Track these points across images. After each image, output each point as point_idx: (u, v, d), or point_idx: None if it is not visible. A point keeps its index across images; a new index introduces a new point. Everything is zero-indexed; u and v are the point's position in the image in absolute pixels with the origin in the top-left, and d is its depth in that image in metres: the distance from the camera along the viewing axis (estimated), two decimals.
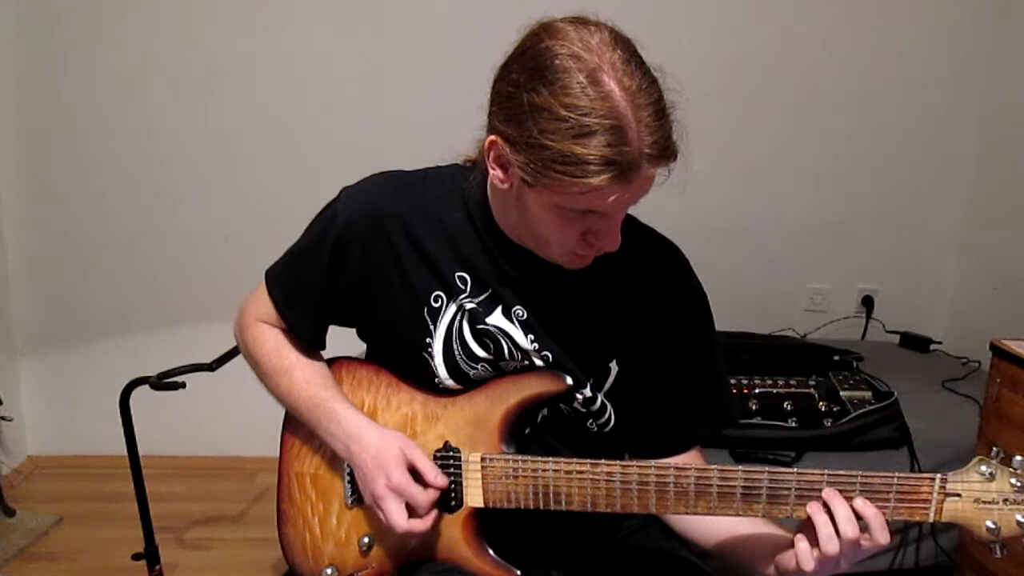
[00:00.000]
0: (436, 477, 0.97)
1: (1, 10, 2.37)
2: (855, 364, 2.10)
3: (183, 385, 1.62)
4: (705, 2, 2.46)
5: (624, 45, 0.83)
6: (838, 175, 2.61)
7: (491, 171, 0.91)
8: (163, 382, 1.61)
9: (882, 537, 0.85)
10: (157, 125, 2.47)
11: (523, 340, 1.00)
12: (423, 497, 0.96)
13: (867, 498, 0.87)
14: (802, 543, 0.88)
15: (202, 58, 2.43)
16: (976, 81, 2.53)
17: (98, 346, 2.59)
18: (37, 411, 2.63)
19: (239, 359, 1.65)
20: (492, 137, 0.88)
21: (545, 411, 1.04)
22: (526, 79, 0.83)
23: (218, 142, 2.49)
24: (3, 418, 2.34)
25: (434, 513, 0.98)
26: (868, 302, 2.69)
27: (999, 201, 2.49)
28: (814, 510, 0.87)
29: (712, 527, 1.03)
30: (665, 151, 0.82)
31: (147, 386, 1.63)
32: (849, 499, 0.87)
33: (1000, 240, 2.48)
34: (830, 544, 0.85)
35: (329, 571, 1.06)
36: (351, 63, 2.46)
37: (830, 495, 0.87)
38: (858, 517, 0.86)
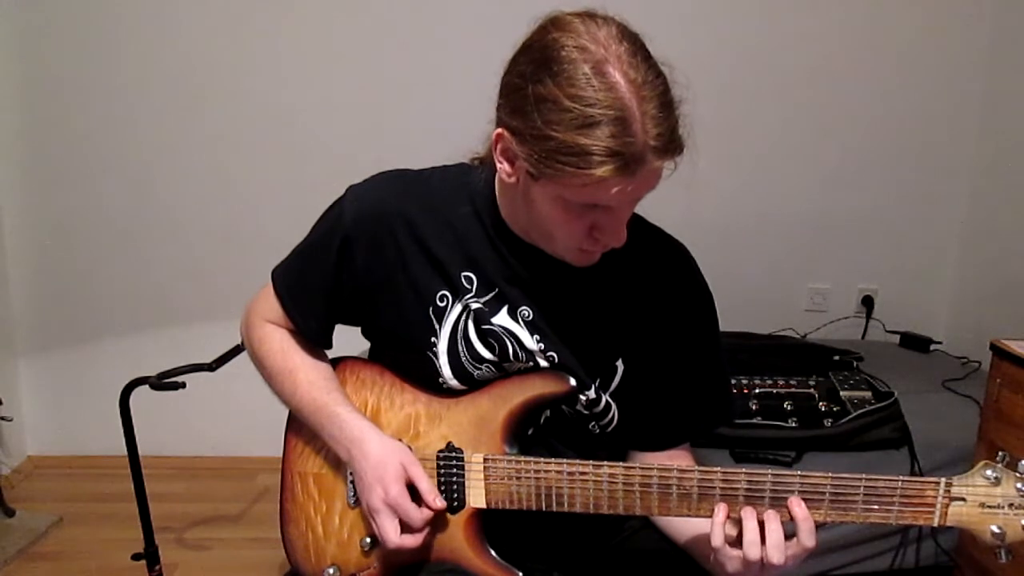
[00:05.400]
0: (434, 499, 0.97)
1: (1, 12, 2.37)
2: (855, 364, 2.10)
3: (183, 385, 1.63)
4: (706, 1, 2.46)
5: (631, 39, 0.83)
6: (838, 175, 2.61)
7: (498, 165, 0.91)
8: (163, 382, 1.61)
9: (808, 541, 0.86)
10: (157, 125, 2.46)
11: (529, 341, 1.00)
12: (417, 516, 0.96)
13: (871, 501, 0.87)
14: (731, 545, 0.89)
15: (202, 58, 2.43)
16: (976, 81, 2.53)
17: (98, 346, 2.59)
18: (37, 411, 2.63)
19: (239, 359, 1.66)
20: (499, 130, 0.88)
21: (548, 412, 1.03)
22: (532, 71, 0.83)
23: (218, 142, 2.49)
24: (3, 418, 2.34)
25: (427, 531, 0.98)
26: (868, 302, 2.69)
27: (999, 202, 2.49)
28: (747, 517, 0.88)
29: (686, 524, 1.03)
30: (671, 144, 0.81)
31: (147, 386, 1.63)
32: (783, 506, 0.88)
33: (1000, 240, 2.48)
34: (751, 549, 0.86)
35: (331, 571, 1.06)
36: (351, 63, 2.46)
37: (770, 518, 0.87)
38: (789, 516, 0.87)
